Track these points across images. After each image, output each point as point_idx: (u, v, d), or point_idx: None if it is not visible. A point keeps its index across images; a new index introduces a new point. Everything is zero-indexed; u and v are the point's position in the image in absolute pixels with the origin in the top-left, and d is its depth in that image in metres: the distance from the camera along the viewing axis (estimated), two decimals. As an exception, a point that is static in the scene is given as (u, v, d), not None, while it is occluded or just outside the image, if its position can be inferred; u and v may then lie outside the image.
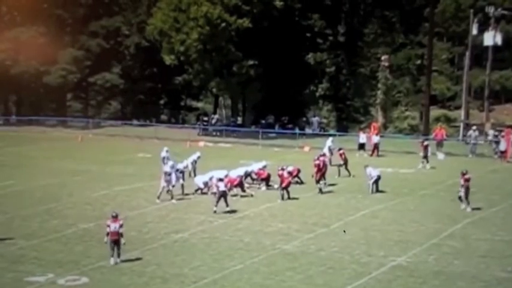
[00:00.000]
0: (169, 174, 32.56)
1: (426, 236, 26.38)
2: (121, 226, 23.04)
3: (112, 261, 22.87)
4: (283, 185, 33.01)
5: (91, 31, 72.48)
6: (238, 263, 23.01)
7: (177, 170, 33.81)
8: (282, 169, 33.73)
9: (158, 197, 32.19)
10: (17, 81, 72.84)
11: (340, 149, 40.68)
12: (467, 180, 30.59)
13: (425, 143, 44.03)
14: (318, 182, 35.09)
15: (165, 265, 22.81)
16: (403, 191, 35.38)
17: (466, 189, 30.60)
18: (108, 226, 22.98)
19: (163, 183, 32.34)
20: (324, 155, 39.07)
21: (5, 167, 42.60)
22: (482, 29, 60.36)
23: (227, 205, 29.91)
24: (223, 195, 29.98)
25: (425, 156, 43.02)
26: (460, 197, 30.78)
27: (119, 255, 22.96)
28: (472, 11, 61.68)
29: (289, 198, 32.79)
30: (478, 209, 30.44)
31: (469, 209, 30.32)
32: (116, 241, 22.89)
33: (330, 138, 45.22)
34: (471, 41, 60.67)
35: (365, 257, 23.75)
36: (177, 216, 29.42)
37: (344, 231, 27.74)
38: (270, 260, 23.34)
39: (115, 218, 23.13)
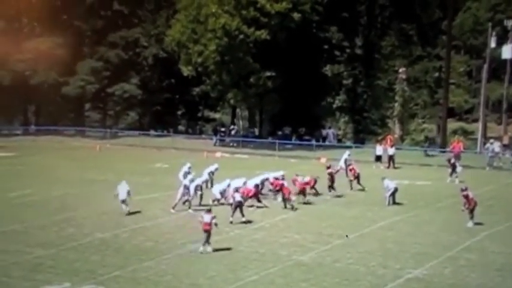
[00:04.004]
0: (188, 188, 32.63)
1: (442, 248, 26.28)
2: (213, 218, 25.41)
3: (201, 248, 25.25)
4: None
5: (110, 42, 72.97)
6: (253, 273, 23.01)
7: (196, 186, 33.68)
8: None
9: (173, 208, 32.29)
10: (36, 91, 73.42)
11: (349, 164, 40.52)
12: (465, 196, 30.29)
13: (452, 160, 43.69)
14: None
15: (180, 275, 22.86)
16: (419, 203, 35.28)
17: (468, 204, 30.22)
18: (202, 217, 25.45)
19: (179, 195, 32.43)
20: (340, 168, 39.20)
21: (23, 176, 42.92)
22: (500, 42, 60.19)
23: (243, 215, 29.97)
24: (239, 205, 30.03)
25: (454, 170, 42.74)
26: (470, 212, 30.47)
27: (209, 243, 25.32)
28: (490, 24, 61.57)
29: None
30: (480, 224, 30.13)
31: (470, 224, 29.99)
32: (207, 231, 25.19)
33: (347, 152, 45.16)
34: (489, 54, 60.53)
35: (381, 269, 23.70)
36: (194, 227, 29.38)
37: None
38: (286, 271, 23.33)
39: (209, 211, 25.89)
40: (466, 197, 30.20)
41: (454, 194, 37.70)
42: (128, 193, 32.17)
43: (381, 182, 35.43)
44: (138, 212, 32.95)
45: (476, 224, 29.91)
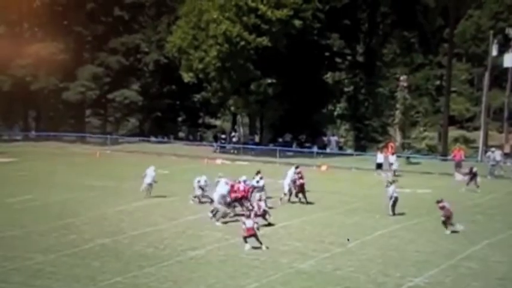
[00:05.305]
0: (224, 197, 32.26)
1: (444, 256, 26.17)
2: (256, 222, 27.23)
3: (263, 247, 26.51)
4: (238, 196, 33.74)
5: (111, 48, 73.02)
6: (254, 281, 22.90)
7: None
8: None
9: (218, 220, 31.76)
10: (37, 97, 73.48)
11: (299, 172, 38.33)
12: (441, 208, 30.35)
13: (474, 169, 43.32)
14: (296, 195, 36.72)
15: (181, 282, 22.76)
16: (421, 211, 35.13)
17: (445, 216, 30.24)
18: (244, 223, 26.87)
19: (220, 206, 32.00)
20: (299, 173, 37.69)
21: (23, 182, 42.87)
22: (502, 51, 60.22)
23: (266, 219, 30.59)
24: (263, 214, 30.46)
25: (472, 179, 42.34)
26: (443, 222, 30.43)
27: (261, 243, 26.60)
28: (491, 32, 61.55)
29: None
30: (456, 232, 30.07)
31: (461, 227, 30.08)
32: (253, 235, 26.49)
33: (397, 162, 44.90)
34: (491, 62, 60.50)
35: (381, 277, 23.58)
36: (194, 233, 29.40)
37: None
38: (286, 279, 23.22)
39: (248, 216, 27.57)
40: (442, 208, 30.25)
41: (455, 202, 37.66)
42: (154, 179, 37.15)
43: (381, 190, 35.28)
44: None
45: (478, 232, 29.80)
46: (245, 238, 26.72)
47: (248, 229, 26.54)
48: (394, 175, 48.53)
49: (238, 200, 33.38)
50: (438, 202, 30.70)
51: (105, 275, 23.33)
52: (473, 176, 42.32)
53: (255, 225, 26.89)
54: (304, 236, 29.40)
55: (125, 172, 48.09)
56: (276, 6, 59.54)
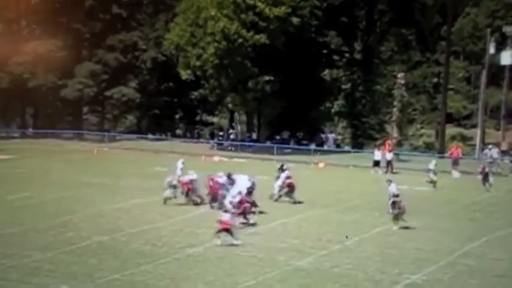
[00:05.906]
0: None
1: (442, 254, 26.13)
2: (232, 217, 27.13)
3: (219, 242, 26.47)
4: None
5: (108, 45, 73.01)
6: (251, 278, 22.87)
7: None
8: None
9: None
10: (34, 94, 73.49)
11: (282, 166, 38.48)
12: (393, 203, 30.56)
13: (487, 169, 43.21)
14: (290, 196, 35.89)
15: (178, 279, 22.73)
16: (419, 208, 35.06)
17: (398, 209, 30.39)
18: (221, 216, 26.98)
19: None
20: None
21: (21, 179, 42.77)
22: (499, 48, 60.26)
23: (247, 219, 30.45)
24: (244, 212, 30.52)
25: (486, 178, 42.21)
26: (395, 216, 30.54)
27: (236, 239, 26.51)
28: (489, 30, 61.62)
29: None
30: (408, 228, 30.10)
31: (395, 227, 30.21)
32: (227, 229, 26.37)
33: (434, 161, 44.65)
34: (488, 60, 60.56)
35: (379, 274, 23.55)
36: (191, 231, 29.36)
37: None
38: (283, 276, 23.19)
39: (226, 211, 27.85)
40: (394, 203, 30.35)
41: (453, 199, 37.81)
42: (181, 170, 38.26)
43: (379, 187, 35.23)
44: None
45: (477, 229, 29.73)
46: (218, 232, 26.52)
47: (223, 222, 26.43)
48: (392, 172, 48.56)
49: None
50: (395, 196, 30.84)
51: (102, 272, 23.29)
52: (485, 175, 42.24)
53: (231, 221, 26.74)
54: (302, 233, 29.36)
55: (122, 169, 48.07)
56: (273, 3, 59.56)
